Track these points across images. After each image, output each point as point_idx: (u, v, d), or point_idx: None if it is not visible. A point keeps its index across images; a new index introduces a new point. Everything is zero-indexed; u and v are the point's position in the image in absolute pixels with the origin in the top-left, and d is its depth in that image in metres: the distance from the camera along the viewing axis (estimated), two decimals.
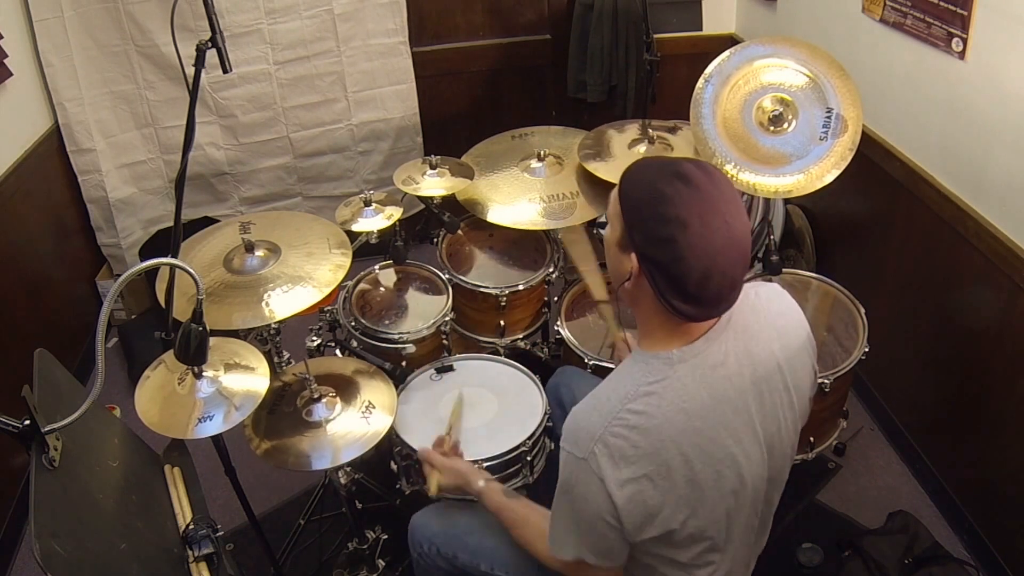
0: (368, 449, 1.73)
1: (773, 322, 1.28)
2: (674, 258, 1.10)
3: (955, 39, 2.03)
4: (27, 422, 1.11)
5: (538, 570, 1.45)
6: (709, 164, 1.17)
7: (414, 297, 2.36)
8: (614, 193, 1.19)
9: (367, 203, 2.17)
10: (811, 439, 2.20)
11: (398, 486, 1.97)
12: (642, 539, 1.21)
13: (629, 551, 1.26)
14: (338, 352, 2.18)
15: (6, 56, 2.66)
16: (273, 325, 1.88)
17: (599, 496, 1.17)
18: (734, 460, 1.21)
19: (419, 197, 2.28)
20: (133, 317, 3.28)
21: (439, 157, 2.33)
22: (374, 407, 1.81)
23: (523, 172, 2.48)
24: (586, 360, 2.09)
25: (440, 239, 2.52)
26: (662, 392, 1.17)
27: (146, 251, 3.35)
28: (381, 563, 2.03)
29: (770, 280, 2.33)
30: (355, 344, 2.15)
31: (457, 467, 1.64)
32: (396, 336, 2.16)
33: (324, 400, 1.80)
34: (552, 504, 1.30)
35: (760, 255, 2.26)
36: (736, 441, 1.21)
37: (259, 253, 1.88)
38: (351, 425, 1.77)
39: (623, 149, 2.42)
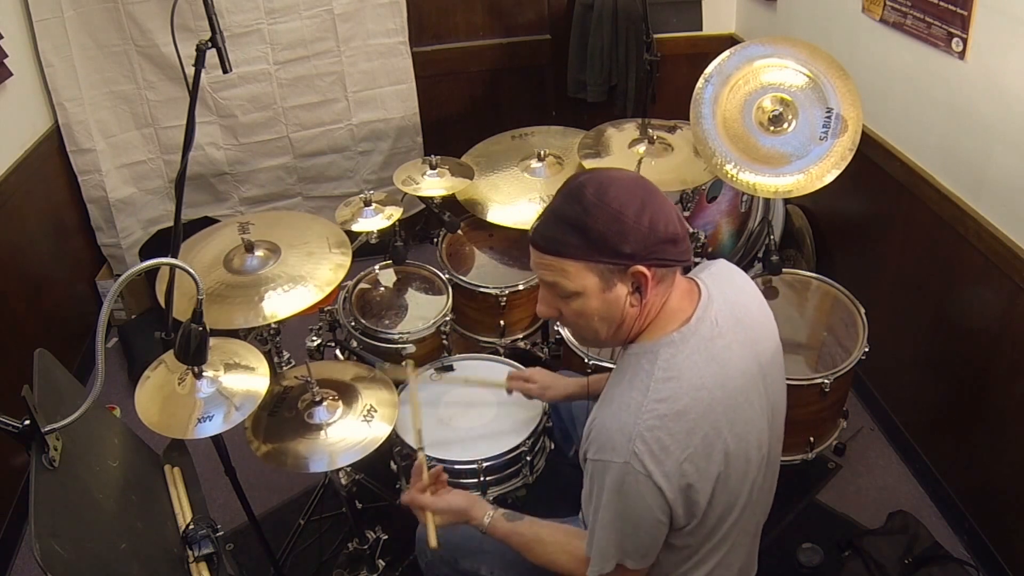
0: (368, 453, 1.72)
1: (743, 287, 1.35)
2: (648, 226, 1.16)
3: (955, 39, 2.03)
4: (27, 422, 1.11)
5: (538, 572, 1.45)
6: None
7: (414, 297, 2.36)
8: (568, 266, 1.24)
9: (367, 203, 2.17)
10: (811, 439, 2.19)
11: (398, 486, 1.97)
12: (680, 527, 1.21)
13: None
14: (338, 352, 2.17)
15: (6, 56, 2.65)
16: (273, 325, 1.88)
17: (650, 493, 1.15)
18: (754, 424, 1.24)
19: (419, 197, 2.29)
20: (133, 317, 3.28)
21: (439, 157, 2.34)
22: (376, 411, 1.80)
23: (523, 172, 2.48)
24: (586, 360, 2.08)
25: (440, 239, 2.52)
26: (679, 375, 1.18)
27: (146, 251, 3.35)
28: (381, 563, 2.03)
29: (769, 280, 2.34)
30: (355, 344, 2.15)
31: (452, 505, 1.47)
32: (396, 336, 2.16)
33: (325, 403, 1.79)
34: (591, 518, 1.24)
35: (760, 255, 2.26)
36: (750, 404, 1.24)
37: (259, 253, 1.88)
38: (352, 429, 1.76)
39: (622, 148, 2.42)
